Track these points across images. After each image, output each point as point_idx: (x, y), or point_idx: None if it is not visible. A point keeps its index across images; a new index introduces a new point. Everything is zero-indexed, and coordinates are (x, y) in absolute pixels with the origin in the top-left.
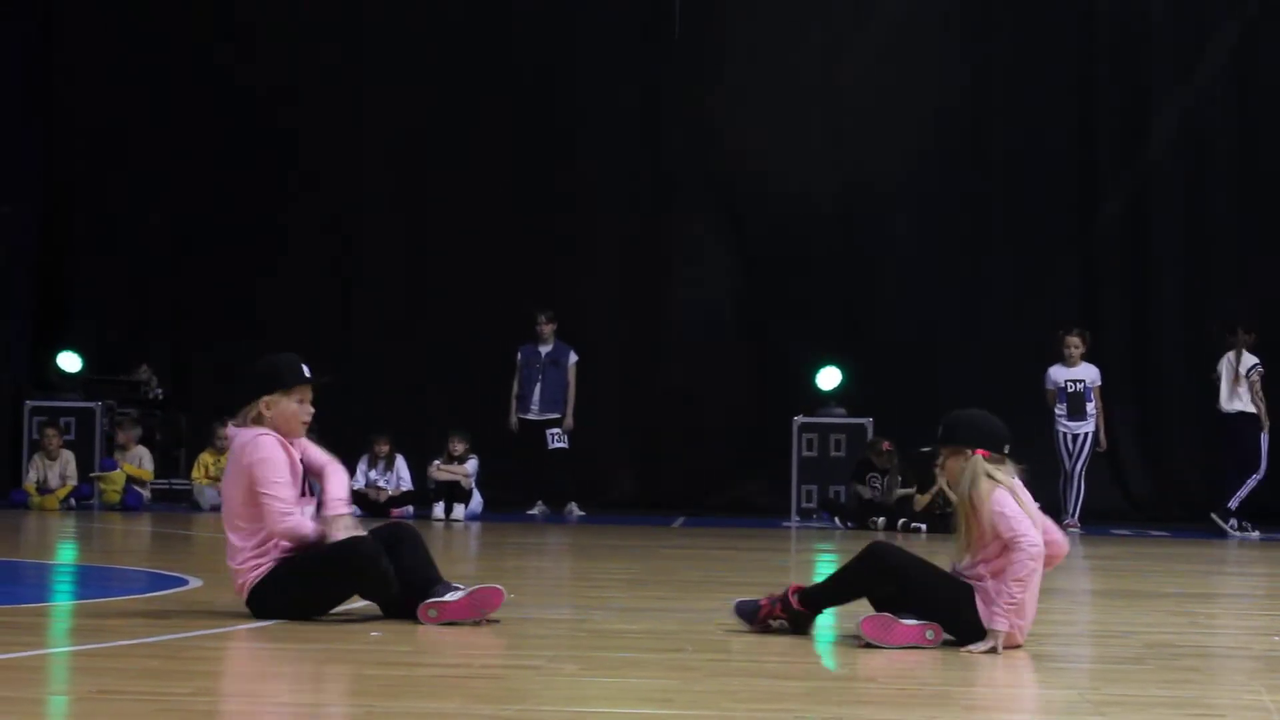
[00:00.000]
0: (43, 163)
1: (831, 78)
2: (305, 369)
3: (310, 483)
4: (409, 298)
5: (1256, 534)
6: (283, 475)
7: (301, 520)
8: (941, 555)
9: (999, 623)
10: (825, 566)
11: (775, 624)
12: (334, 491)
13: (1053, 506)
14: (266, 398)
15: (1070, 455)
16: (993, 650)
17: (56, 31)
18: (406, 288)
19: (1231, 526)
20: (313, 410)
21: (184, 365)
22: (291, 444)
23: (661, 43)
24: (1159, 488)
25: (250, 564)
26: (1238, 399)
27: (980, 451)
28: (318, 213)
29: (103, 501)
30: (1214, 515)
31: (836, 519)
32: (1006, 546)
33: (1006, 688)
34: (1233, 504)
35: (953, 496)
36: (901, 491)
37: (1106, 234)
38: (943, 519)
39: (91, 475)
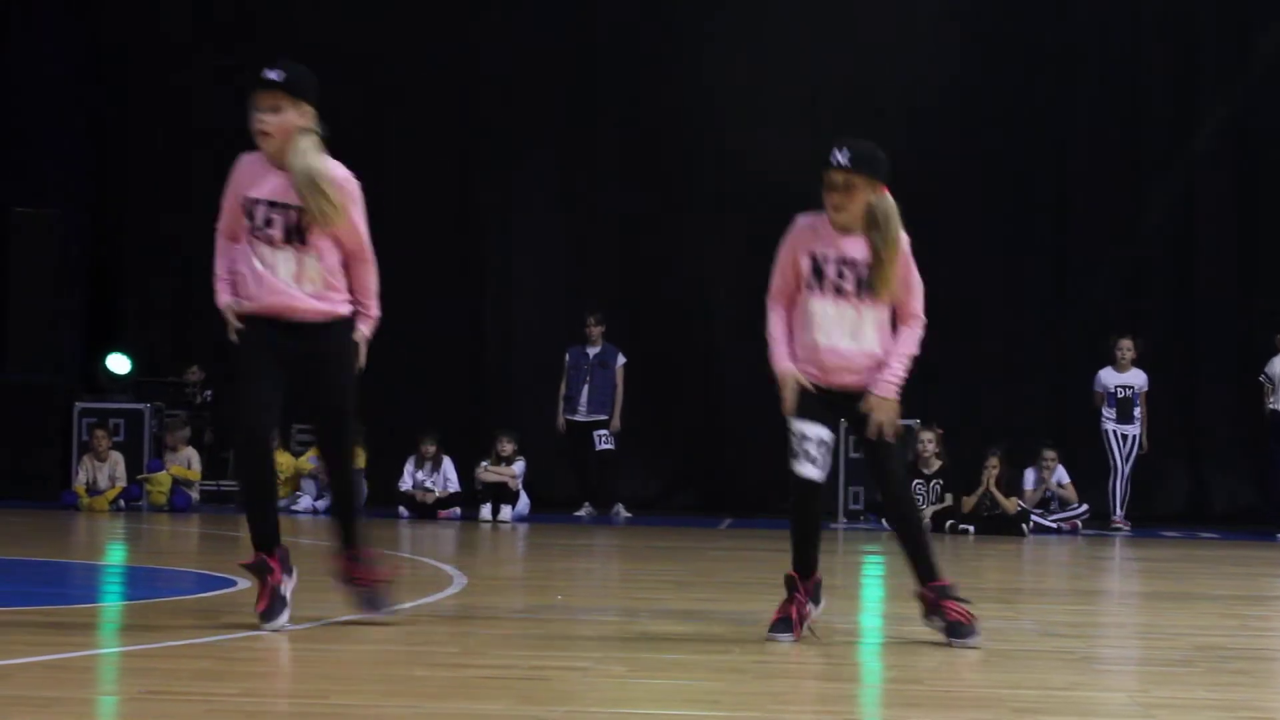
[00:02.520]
0: (94, 166)
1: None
2: (265, 72)
3: (271, 214)
4: (456, 300)
5: None
6: (227, 193)
7: (221, 257)
8: (990, 557)
9: (888, 389)
10: (871, 568)
11: (810, 625)
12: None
13: (1105, 504)
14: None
15: (1120, 453)
16: (888, 424)
17: (106, 34)
18: (455, 290)
19: None
20: (263, 119)
21: (227, 368)
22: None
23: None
24: (1205, 489)
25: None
26: None
27: (885, 190)
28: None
29: (150, 503)
30: None
31: (883, 521)
32: (904, 312)
33: (1055, 690)
34: None
35: (879, 258)
36: (935, 508)
37: (1151, 234)
38: (990, 520)
39: (139, 477)
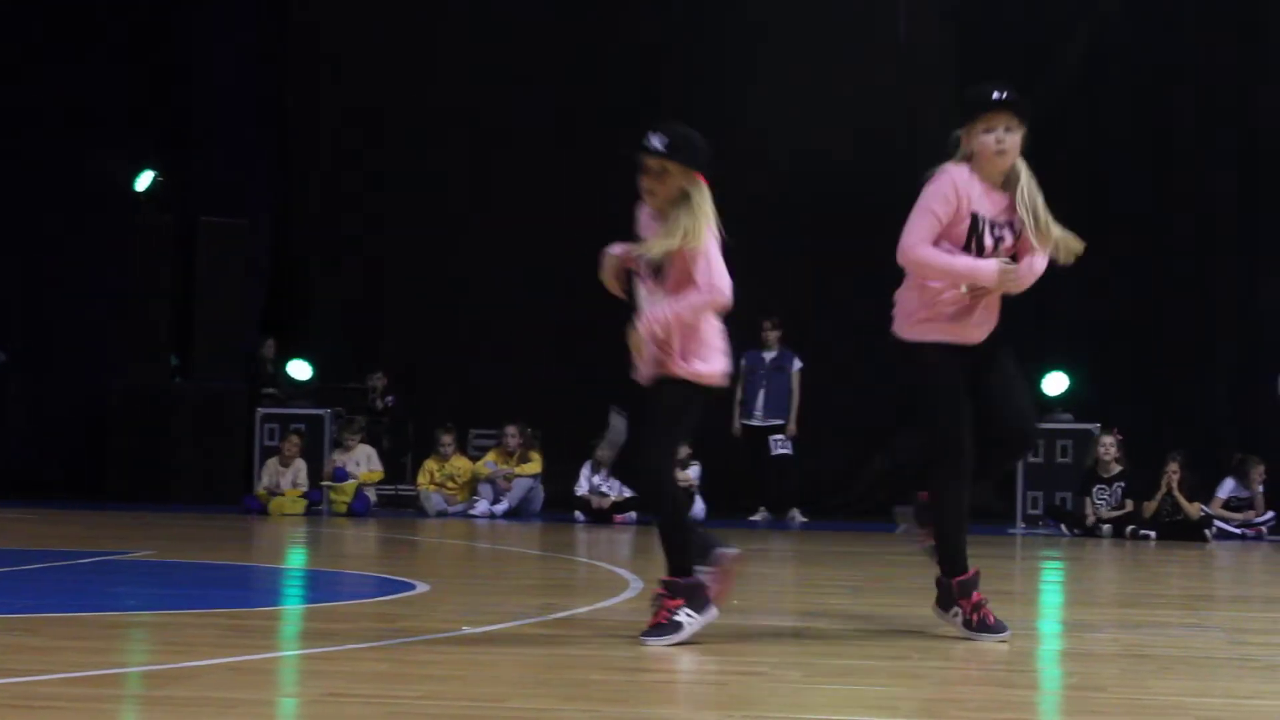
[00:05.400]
0: (278, 177)
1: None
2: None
3: None
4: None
5: None
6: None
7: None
8: (1174, 564)
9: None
10: (1050, 574)
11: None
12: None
13: None
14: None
15: None
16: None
17: (291, 48)
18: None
19: None
20: (649, 185)
21: (411, 373)
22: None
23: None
24: None
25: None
26: None
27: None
28: (525, 222)
29: (332, 510)
30: None
31: (1062, 526)
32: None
33: (1241, 699)
34: None
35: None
36: (1116, 513)
37: None
38: (1172, 525)
39: (324, 484)
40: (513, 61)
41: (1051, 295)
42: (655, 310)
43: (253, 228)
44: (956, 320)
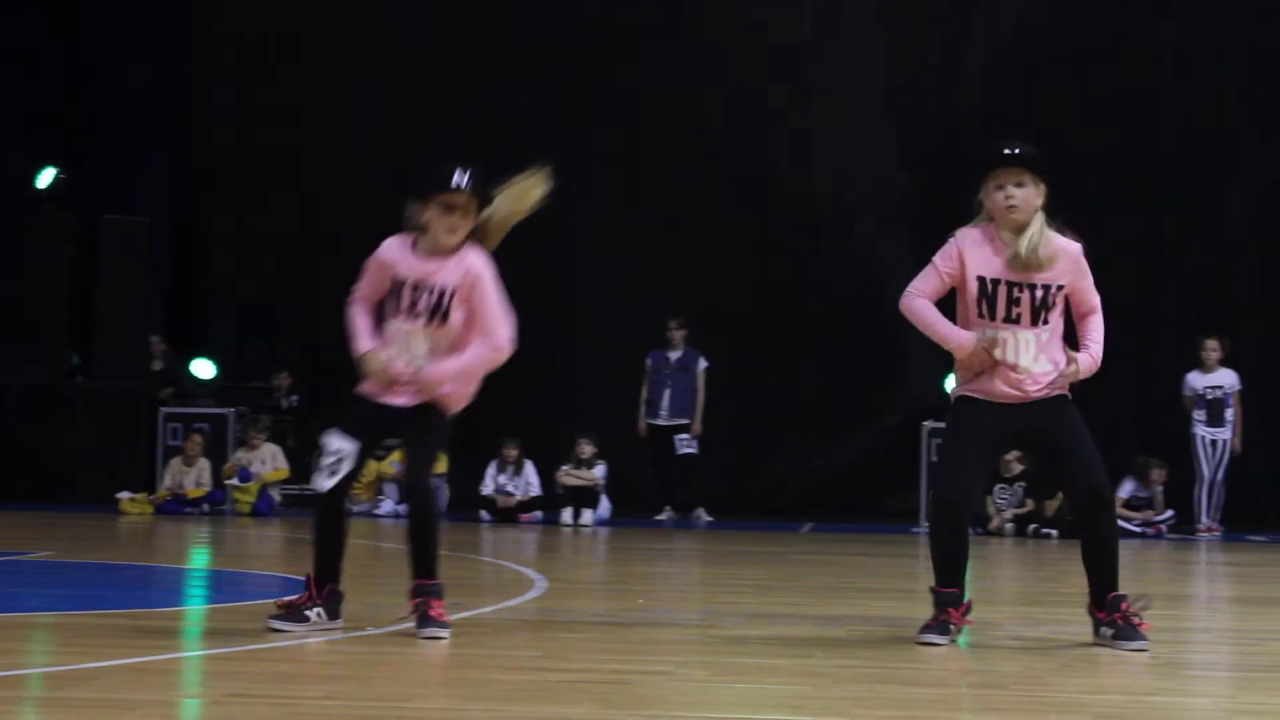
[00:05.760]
0: (178, 176)
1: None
2: (456, 175)
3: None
4: (537, 305)
5: None
6: (370, 269)
7: (356, 322)
8: (1075, 562)
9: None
10: None
11: (954, 630)
12: (448, 365)
13: (1191, 509)
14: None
15: (1209, 461)
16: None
17: (192, 47)
18: (535, 296)
19: None
20: (457, 224)
21: (316, 373)
22: (442, 260)
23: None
24: None
25: None
26: None
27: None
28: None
29: (235, 510)
30: None
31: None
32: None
33: (1140, 695)
34: None
35: None
36: (1017, 512)
37: (1236, 231)
38: (1073, 524)
39: (228, 484)
40: (420, 61)
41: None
42: (440, 367)
43: (154, 226)
44: (980, 379)
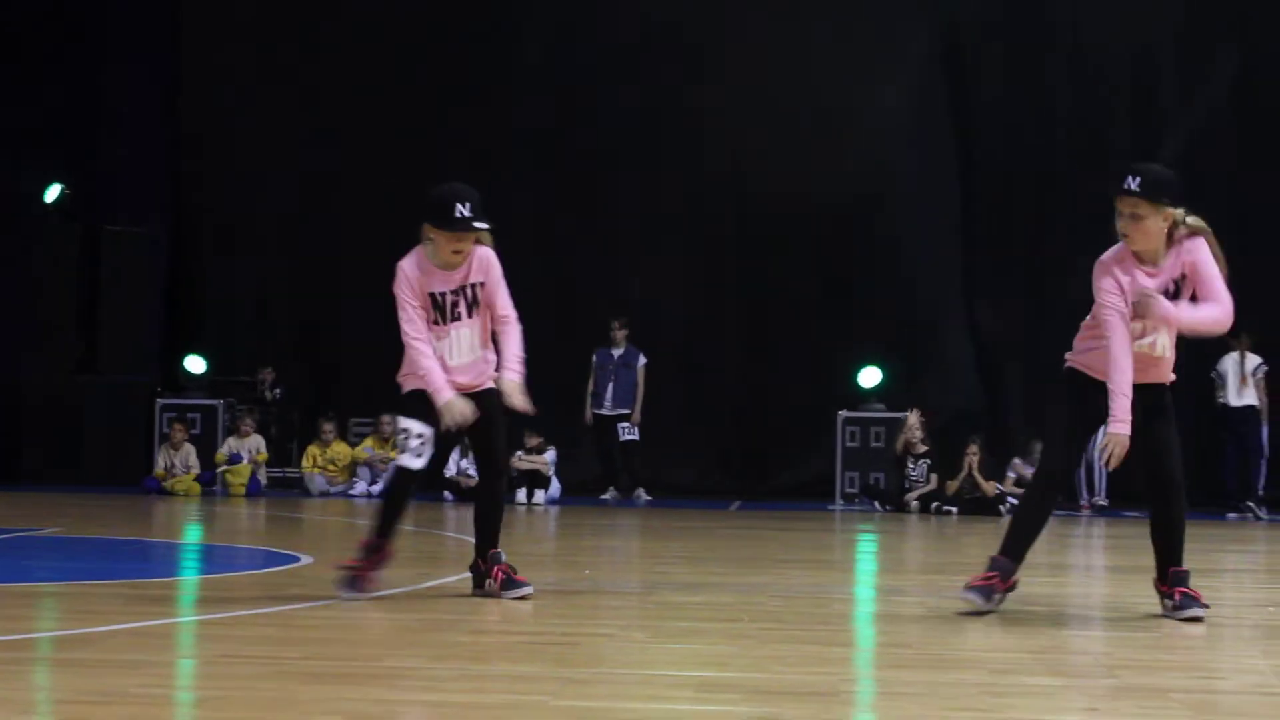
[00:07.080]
0: (175, 190)
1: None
2: (460, 210)
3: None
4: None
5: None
6: (406, 297)
7: (432, 373)
8: (973, 536)
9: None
10: (865, 545)
11: (998, 598)
12: (512, 350)
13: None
14: (427, 225)
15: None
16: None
17: (185, 50)
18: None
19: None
20: (460, 245)
21: (297, 367)
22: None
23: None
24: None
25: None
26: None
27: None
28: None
29: (229, 492)
30: (1249, 504)
31: (875, 503)
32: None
33: (1030, 652)
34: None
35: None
36: (922, 490)
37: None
38: (971, 502)
39: (220, 469)
40: (406, 68)
41: (867, 292)
42: (514, 357)
43: (152, 236)
44: (1092, 355)
